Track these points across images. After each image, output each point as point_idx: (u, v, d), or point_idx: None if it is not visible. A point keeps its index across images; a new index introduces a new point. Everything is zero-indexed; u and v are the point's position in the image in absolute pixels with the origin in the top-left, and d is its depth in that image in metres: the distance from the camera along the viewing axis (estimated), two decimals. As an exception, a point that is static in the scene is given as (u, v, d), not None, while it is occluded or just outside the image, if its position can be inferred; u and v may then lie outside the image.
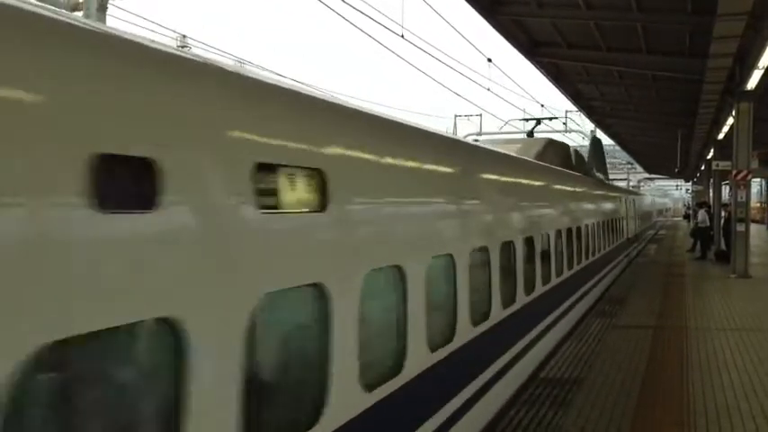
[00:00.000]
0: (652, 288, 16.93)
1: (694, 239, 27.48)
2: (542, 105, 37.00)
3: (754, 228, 26.46)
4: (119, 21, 15.63)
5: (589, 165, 18.29)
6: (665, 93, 23.71)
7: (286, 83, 4.25)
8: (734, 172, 18.87)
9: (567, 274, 11.71)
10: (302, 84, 4.49)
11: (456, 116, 45.57)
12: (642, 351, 9.93)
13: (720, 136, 24.82)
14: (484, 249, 6.82)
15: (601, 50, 18.54)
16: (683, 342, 10.51)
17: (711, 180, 32.61)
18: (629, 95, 25.66)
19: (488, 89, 24.12)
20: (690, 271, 21.13)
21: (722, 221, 25.84)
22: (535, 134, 18.16)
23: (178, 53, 3.29)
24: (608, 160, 69.18)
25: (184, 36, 18.16)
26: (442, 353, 5.46)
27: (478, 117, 44.17)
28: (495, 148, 9.76)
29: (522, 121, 22.47)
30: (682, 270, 21.41)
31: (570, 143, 17.89)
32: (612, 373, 8.74)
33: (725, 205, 28.83)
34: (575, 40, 18.40)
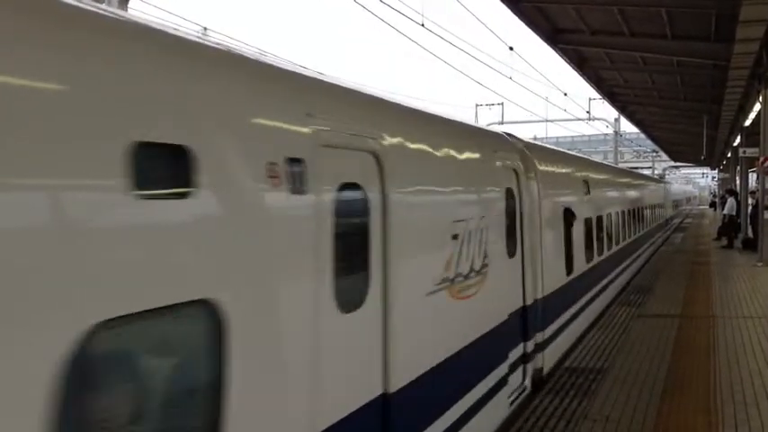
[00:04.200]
0: (677, 277, 16.78)
1: (721, 230, 27.15)
2: (565, 94, 36.74)
3: (781, 215, 26.08)
4: (140, 14, 15.67)
5: None
6: (689, 79, 23.41)
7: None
8: (761, 159, 18.59)
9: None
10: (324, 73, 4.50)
11: (477, 105, 45.51)
12: (668, 340, 9.85)
13: (747, 122, 24.43)
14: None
15: (624, 36, 18.33)
16: (708, 330, 10.41)
17: (738, 167, 32.18)
18: (653, 82, 25.36)
19: (510, 78, 23.94)
20: (716, 260, 20.90)
21: (750, 209, 25.52)
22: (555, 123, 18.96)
23: None
24: (633, 148, 68.89)
25: (206, 29, 18.21)
26: None
27: (500, 106, 44.17)
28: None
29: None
30: (708, 259, 21.18)
31: (594, 132, 18.25)
32: (638, 361, 8.68)
33: (752, 192, 28.43)
34: (598, 26, 18.19)
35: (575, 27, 18.35)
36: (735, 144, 31.17)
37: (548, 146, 11.74)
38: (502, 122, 42.02)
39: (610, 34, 18.58)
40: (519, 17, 16.58)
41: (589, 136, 71.94)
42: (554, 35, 18.82)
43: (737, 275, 16.86)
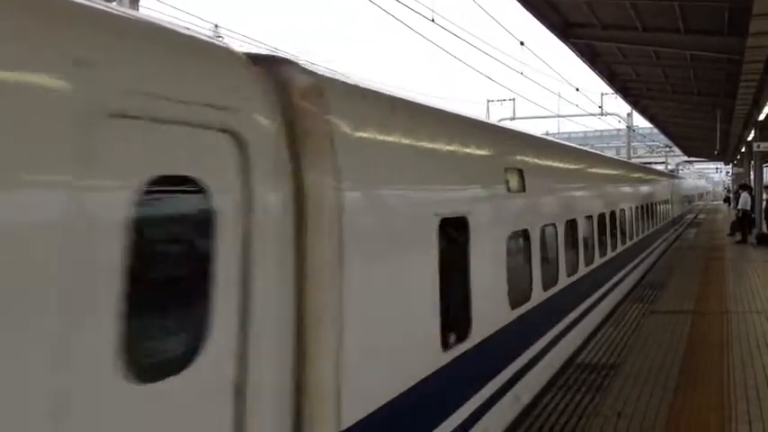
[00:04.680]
0: (691, 273, 16.68)
1: (734, 226, 26.97)
2: (577, 89, 36.56)
3: (796, 210, 25.87)
4: (151, 11, 15.72)
5: None
6: (703, 73, 23.23)
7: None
8: (775, 153, 18.46)
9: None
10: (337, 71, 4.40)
11: (488, 101, 45.35)
12: (681, 336, 9.80)
13: (761, 117, 24.22)
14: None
15: (637, 30, 18.20)
16: (722, 326, 10.34)
17: (752, 162, 31.93)
18: (666, 76, 25.19)
19: (521, 73, 23.84)
20: (730, 255, 20.76)
21: (764, 204, 25.37)
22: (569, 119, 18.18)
23: None
24: (646, 143, 68.85)
25: (216, 26, 18.26)
26: None
27: (511, 101, 44.01)
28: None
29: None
30: (721, 254, 21.04)
31: (606, 127, 17.80)
32: (650, 358, 8.63)
33: (767, 187, 28.24)
34: (610, 20, 18.09)
35: (586, 21, 18.25)
36: (749, 138, 30.89)
37: (401, 96, 5.18)
38: (513, 118, 41.87)
39: (622, 28, 18.46)
40: (529, 11, 16.50)
41: (601, 131, 71.65)
42: (565, 29, 18.72)
43: (751, 271, 16.75)
